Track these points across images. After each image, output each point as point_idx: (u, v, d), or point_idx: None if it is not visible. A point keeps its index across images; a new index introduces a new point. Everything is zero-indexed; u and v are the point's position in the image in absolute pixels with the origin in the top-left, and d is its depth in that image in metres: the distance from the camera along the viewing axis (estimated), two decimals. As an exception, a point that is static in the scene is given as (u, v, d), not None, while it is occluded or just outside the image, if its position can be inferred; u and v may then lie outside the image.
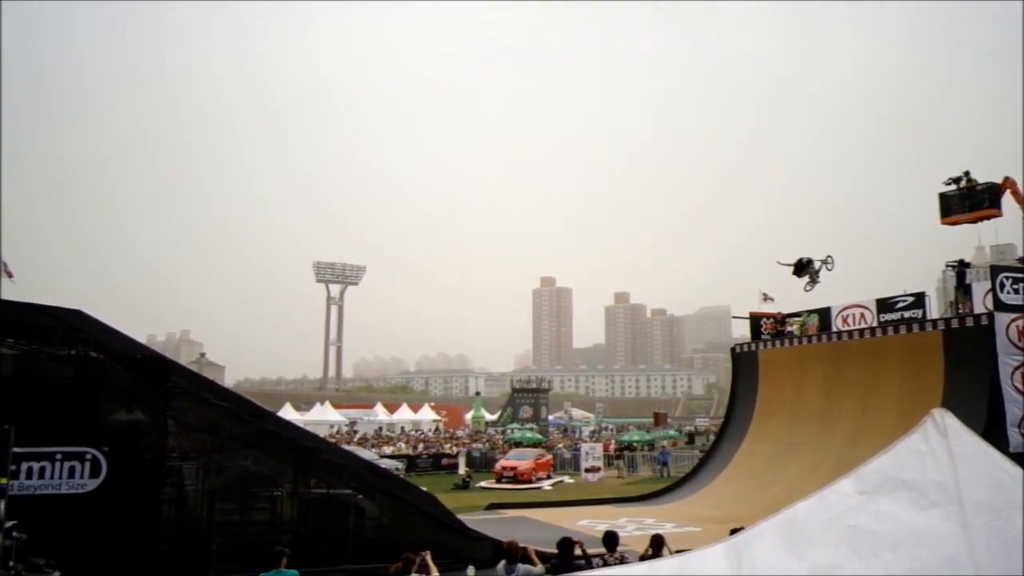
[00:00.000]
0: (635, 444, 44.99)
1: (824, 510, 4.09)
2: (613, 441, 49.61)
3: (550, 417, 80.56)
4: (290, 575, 8.58)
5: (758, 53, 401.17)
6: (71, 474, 11.52)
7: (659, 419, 66.50)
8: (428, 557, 9.45)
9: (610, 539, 10.61)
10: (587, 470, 34.52)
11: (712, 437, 38.07)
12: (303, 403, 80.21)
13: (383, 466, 22.71)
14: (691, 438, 55.81)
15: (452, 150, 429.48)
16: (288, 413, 57.72)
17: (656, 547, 10.65)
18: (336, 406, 71.10)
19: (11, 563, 9.07)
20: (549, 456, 37.86)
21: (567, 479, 35.18)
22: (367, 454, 30.07)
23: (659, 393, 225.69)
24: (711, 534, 11.48)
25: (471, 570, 11.20)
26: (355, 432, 57.51)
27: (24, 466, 11.05)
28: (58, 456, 11.50)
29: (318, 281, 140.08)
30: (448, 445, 46.96)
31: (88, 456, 11.67)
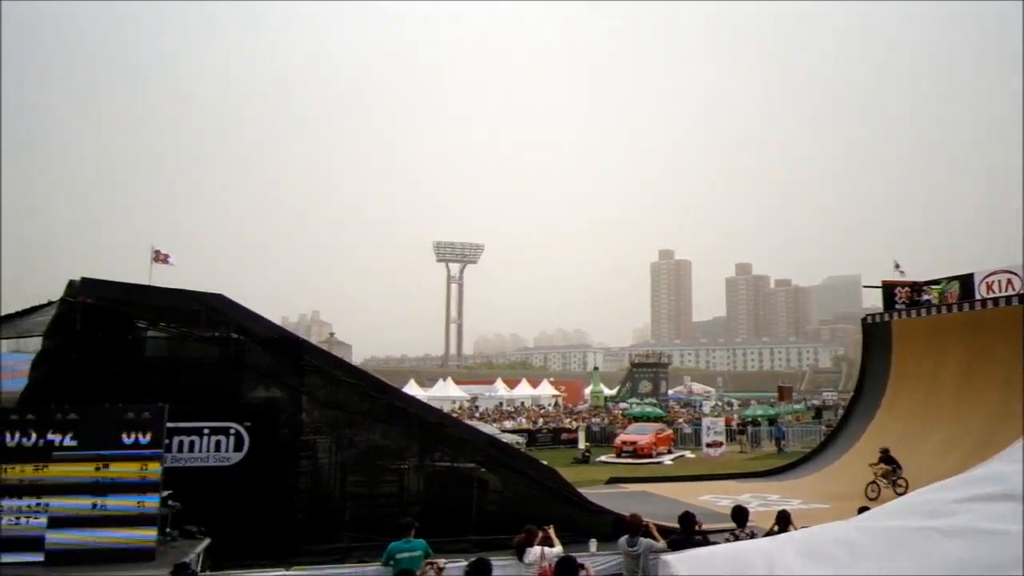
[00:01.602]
0: (759, 419, 43.84)
1: (918, 514, 3.81)
2: (736, 416, 48.53)
3: (670, 392, 79.58)
4: (419, 544, 8.91)
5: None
6: (217, 448, 12.39)
7: (784, 393, 64.43)
8: (551, 531, 9.62)
9: (739, 514, 10.48)
10: (709, 445, 34.00)
11: (840, 412, 36.63)
12: (426, 380, 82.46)
13: (504, 440, 23.13)
14: (818, 413, 53.85)
15: (565, 130, 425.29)
16: (412, 389, 59.51)
17: (782, 523, 10.44)
18: (458, 382, 72.68)
19: (168, 529, 9.89)
20: (669, 431, 37.48)
21: (688, 454, 34.77)
22: (488, 429, 30.69)
23: (783, 366, 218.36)
24: (840, 511, 11.12)
25: (593, 543, 11.29)
26: (476, 407, 58.73)
27: (176, 440, 11.96)
28: (205, 431, 12.38)
29: (438, 261, 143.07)
30: (568, 420, 47.21)
31: (232, 431, 12.51)
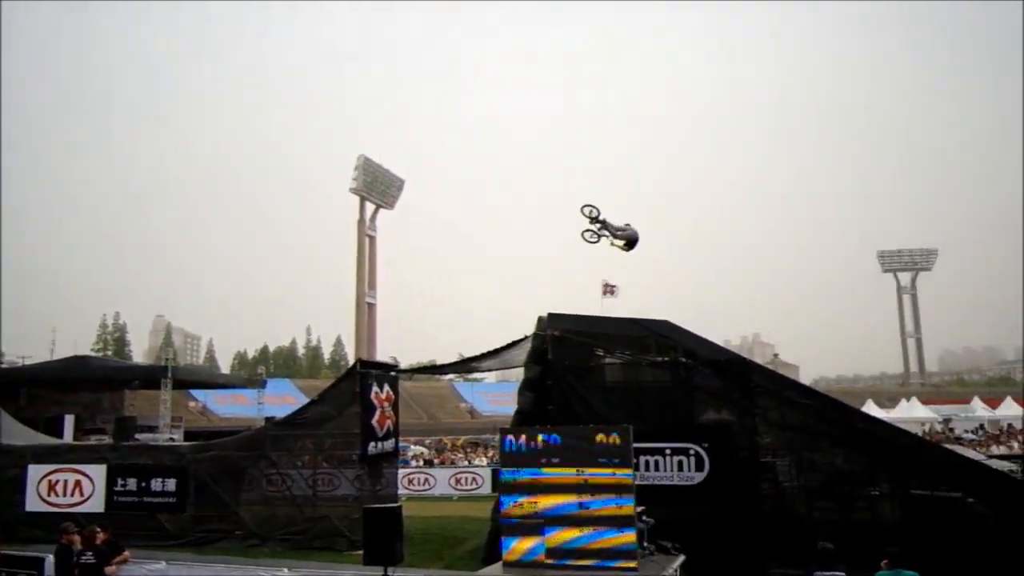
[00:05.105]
0: None
1: None
2: None
3: None
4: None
5: None
6: (680, 467, 12.92)
7: None
8: None
9: None
10: None
11: None
12: (886, 400, 75.65)
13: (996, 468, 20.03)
14: None
15: None
16: (871, 410, 54.91)
17: None
18: (924, 402, 65.22)
19: (644, 543, 10.52)
20: None
21: None
22: (972, 454, 26.93)
23: None
24: None
25: None
26: (952, 430, 52.08)
27: (642, 460, 12.75)
28: (667, 451, 13.03)
29: (884, 271, 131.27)
30: (1078, 445, 39.21)
31: (692, 452, 12.96)
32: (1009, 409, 63.21)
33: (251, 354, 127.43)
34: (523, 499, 10.69)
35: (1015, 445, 40.04)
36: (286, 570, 10.44)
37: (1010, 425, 56.44)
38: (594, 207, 14.44)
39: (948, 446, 28.30)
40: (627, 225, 14.67)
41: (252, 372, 75.17)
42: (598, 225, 14.38)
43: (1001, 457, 32.56)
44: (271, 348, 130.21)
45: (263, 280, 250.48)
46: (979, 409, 63.59)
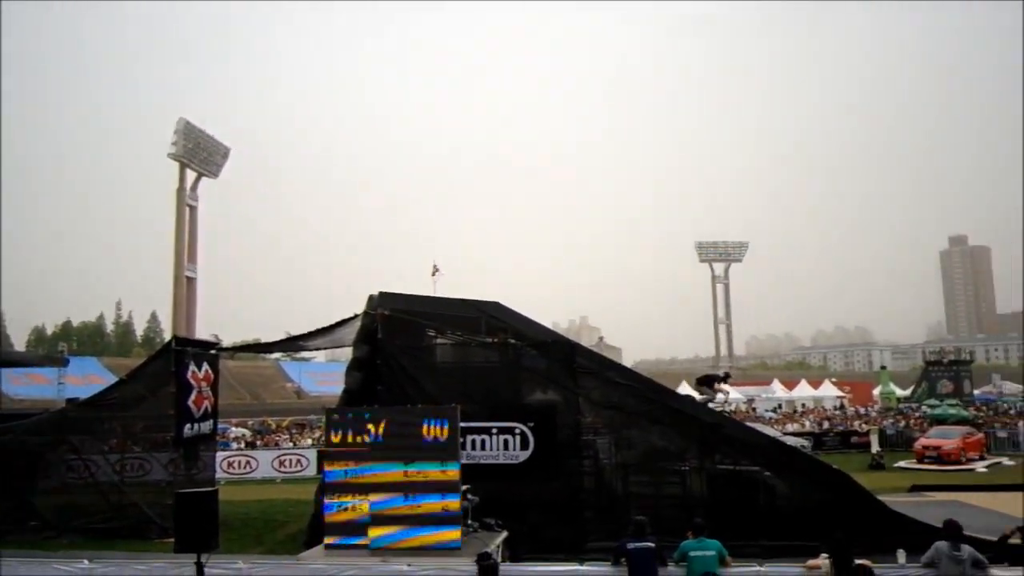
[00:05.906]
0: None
1: None
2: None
3: (975, 392, 70.72)
4: (712, 544, 8.68)
5: None
6: (506, 446, 13.14)
7: None
8: None
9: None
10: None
11: None
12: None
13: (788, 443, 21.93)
14: None
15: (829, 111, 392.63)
16: (685, 391, 58.39)
17: None
18: (732, 384, 70.45)
19: (469, 521, 10.62)
20: (980, 435, 33.33)
21: (1006, 460, 30.62)
22: (770, 431, 29.36)
23: None
24: None
25: (901, 555, 10.30)
26: (754, 409, 56.49)
27: (469, 439, 12.82)
28: (494, 431, 13.20)
29: (701, 261, 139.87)
30: (857, 423, 43.80)
31: (518, 431, 13.21)
32: (803, 391, 69.60)
33: (50, 329, 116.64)
34: (348, 500, 10.47)
35: (807, 423, 44.19)
36: (86, 562, 9.64)
37: (804, 405, 62.19)
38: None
39: (749, 423, 30.80)
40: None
41: (52, 349, 69.27)
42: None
43: (794, 434, 35.84)
44: (75, 323, 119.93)
45: (67, 249, 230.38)
46: (778, 390, 69.47)
